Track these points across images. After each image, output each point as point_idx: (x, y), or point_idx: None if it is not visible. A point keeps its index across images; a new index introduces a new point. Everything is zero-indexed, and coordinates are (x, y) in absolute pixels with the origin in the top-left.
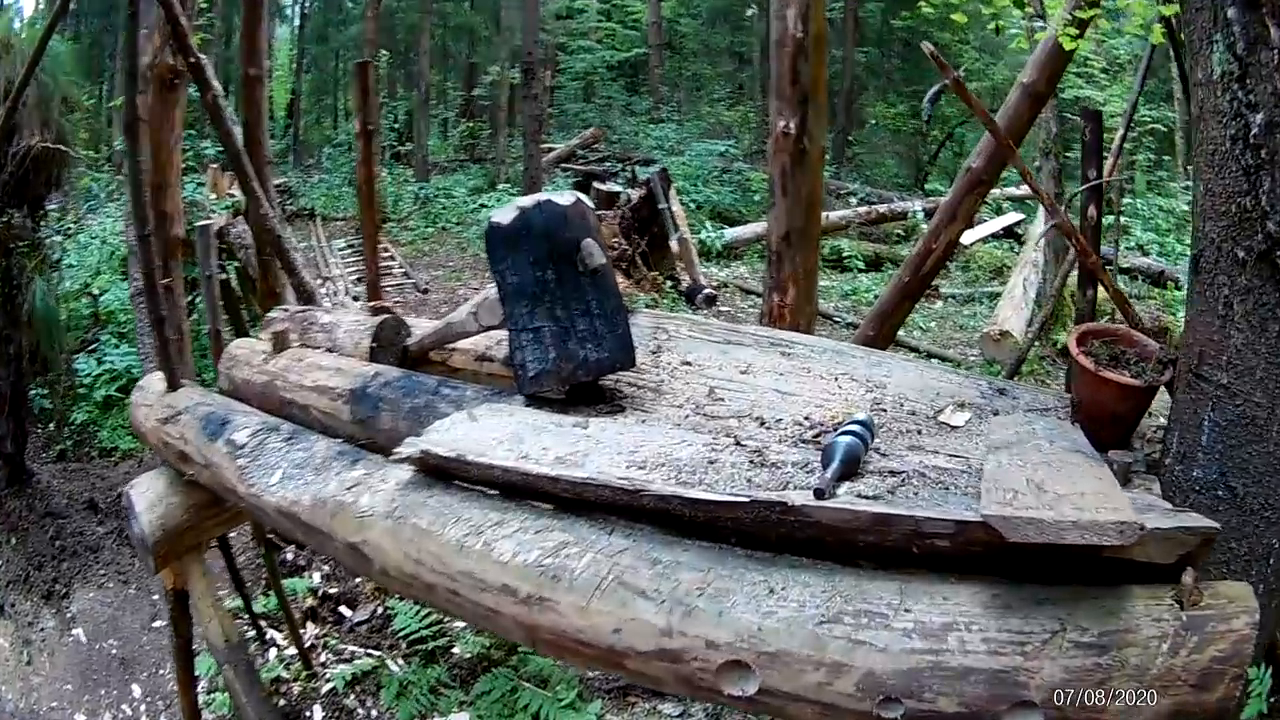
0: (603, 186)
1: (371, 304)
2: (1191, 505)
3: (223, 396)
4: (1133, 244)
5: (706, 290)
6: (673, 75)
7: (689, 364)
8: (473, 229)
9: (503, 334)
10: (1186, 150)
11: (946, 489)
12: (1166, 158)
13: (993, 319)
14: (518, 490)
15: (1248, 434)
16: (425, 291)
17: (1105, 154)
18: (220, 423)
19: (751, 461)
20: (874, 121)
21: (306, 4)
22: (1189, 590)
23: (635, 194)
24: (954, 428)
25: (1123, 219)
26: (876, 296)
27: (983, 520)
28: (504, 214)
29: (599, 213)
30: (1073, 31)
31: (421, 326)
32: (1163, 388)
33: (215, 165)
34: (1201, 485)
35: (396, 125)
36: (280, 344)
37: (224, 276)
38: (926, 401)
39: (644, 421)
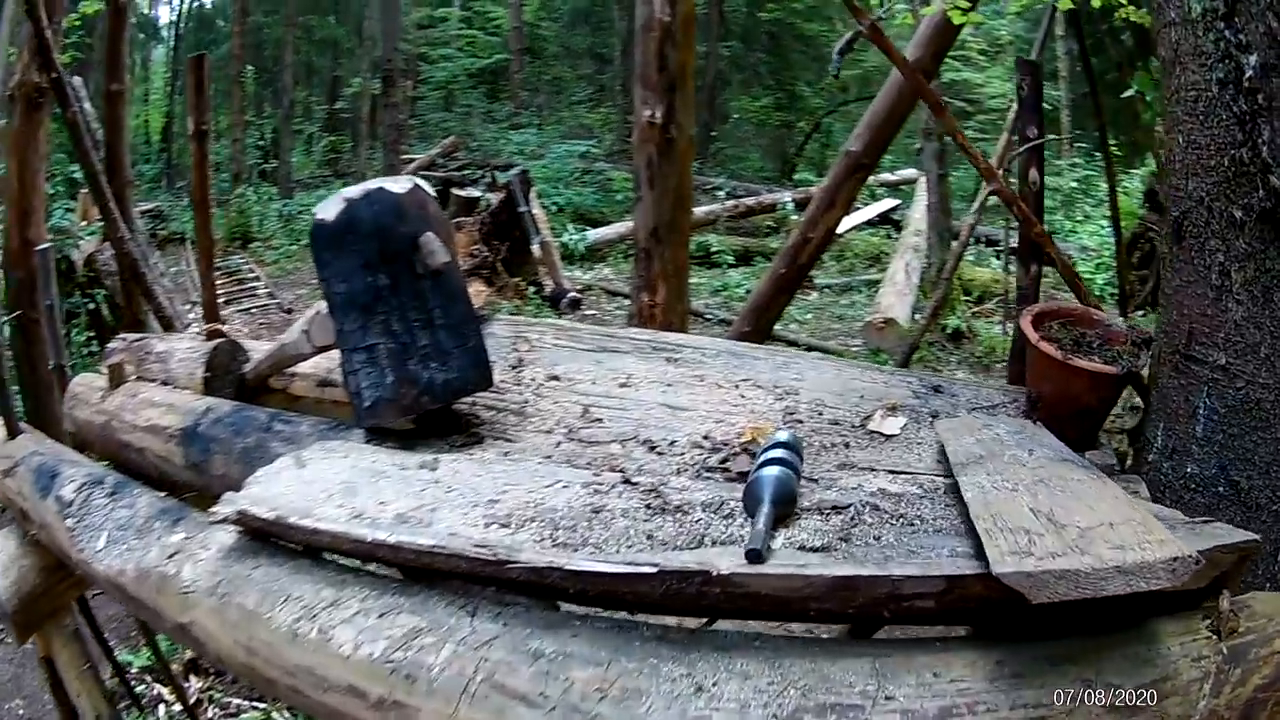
0: (461, 192)
1: (207, 328)
2: (1188, 505)
3: (57, 444)
4: (1013, 222)
5: (571, 294)
6: (533, 80)
7: (557, 378)
8: None
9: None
10: (1071, 128)
11: (912, 525)
12: (1050, 136)
13: (875, 307)
14: (354, 557)
15: (1251, 420)
16: (290, 311)
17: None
18: (50, 475)
19: (648, 506)
20: (738, 115)
21: (182, 25)
22: (1226, 616)
23: (495, 198)
24: (888, 436)
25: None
26: (749, 291)
27: (988, 575)
28: (328, 208)
29: (458, 220)
30: (964, 4)
31: (259, 350)
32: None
33: (86, 191)
34: (1198, 482)
35: (263, 143)
36: (117, 378)
37: (93, 306)
38: (849, 406)
39: (507, 455)
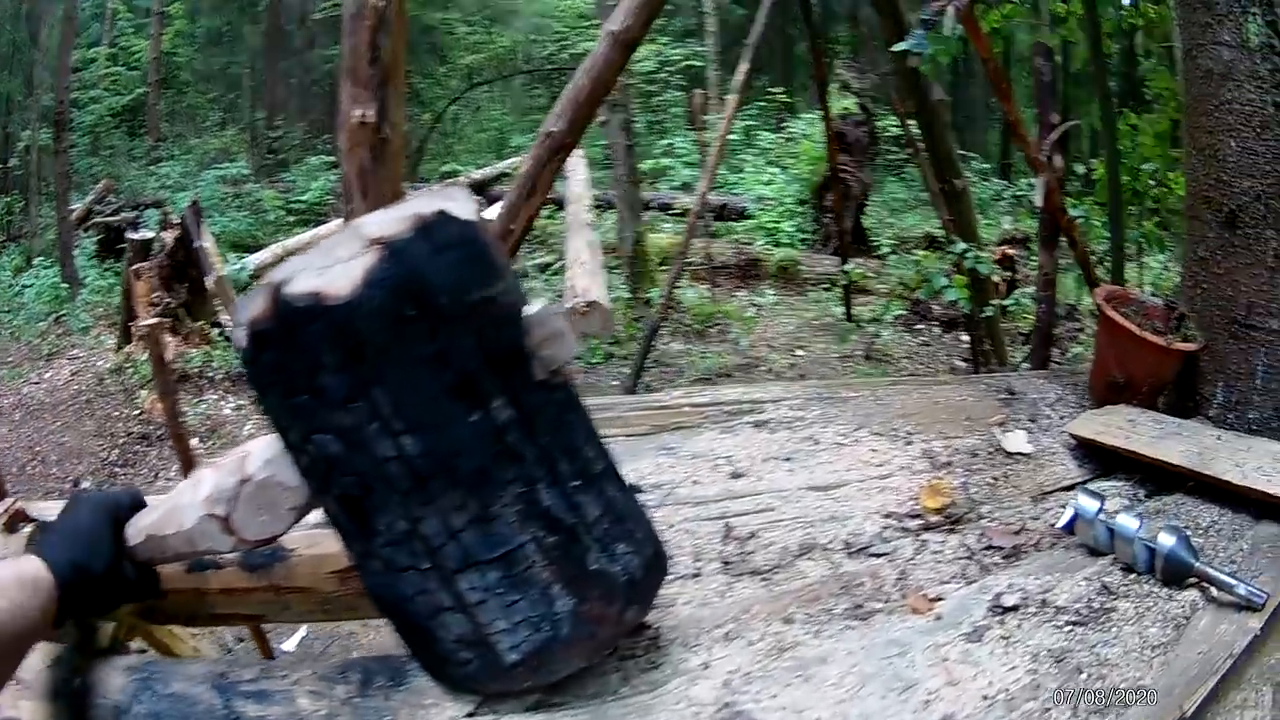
0: (136, 235)
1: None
2: None
3: None
4: (677, 183)
5: None
6: (170, 110)
7: (638, 489)
8: (20, 314)
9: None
10: (721, 85)
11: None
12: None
13: (572, 291)
14: None
15: None
16: None
17: None
18: None
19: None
20: None
21: None
22: None
23: (169, 236)
24: (1026, 455)
25: (665, 160)
26: None
27: None
28: (316, 271)
29: (137, 267)
30: None
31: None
32: None
33: None
34: (1259, 425)
35: None
36: None
37: None
38: (968, 432)
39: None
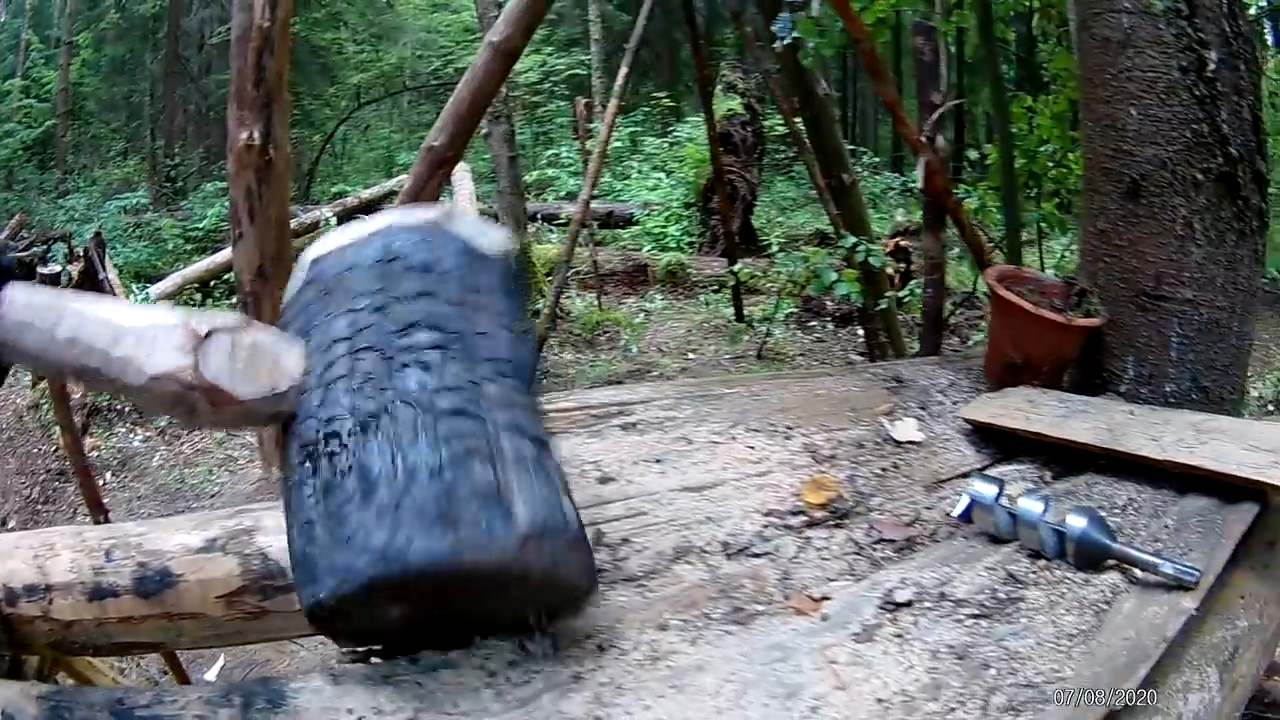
0: (46, 270)
1: None
2: None
3: None
4: (563, 192)
5: None
6: (75, 141)
7: None
8: None
9: None
10: (605, 93)
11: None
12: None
13: None
14: None
15: (1213, 337)
16: None
17: None
18: None
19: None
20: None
21: None
22: None
23: (75, 269)
24: (918, 444)
25: (550, 171)
26: None
27: None
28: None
29: None
30: None
31: None
32: None
33: None
34: (1176, 397)
35: None
36: None
37: None
38: (853, 423)
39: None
